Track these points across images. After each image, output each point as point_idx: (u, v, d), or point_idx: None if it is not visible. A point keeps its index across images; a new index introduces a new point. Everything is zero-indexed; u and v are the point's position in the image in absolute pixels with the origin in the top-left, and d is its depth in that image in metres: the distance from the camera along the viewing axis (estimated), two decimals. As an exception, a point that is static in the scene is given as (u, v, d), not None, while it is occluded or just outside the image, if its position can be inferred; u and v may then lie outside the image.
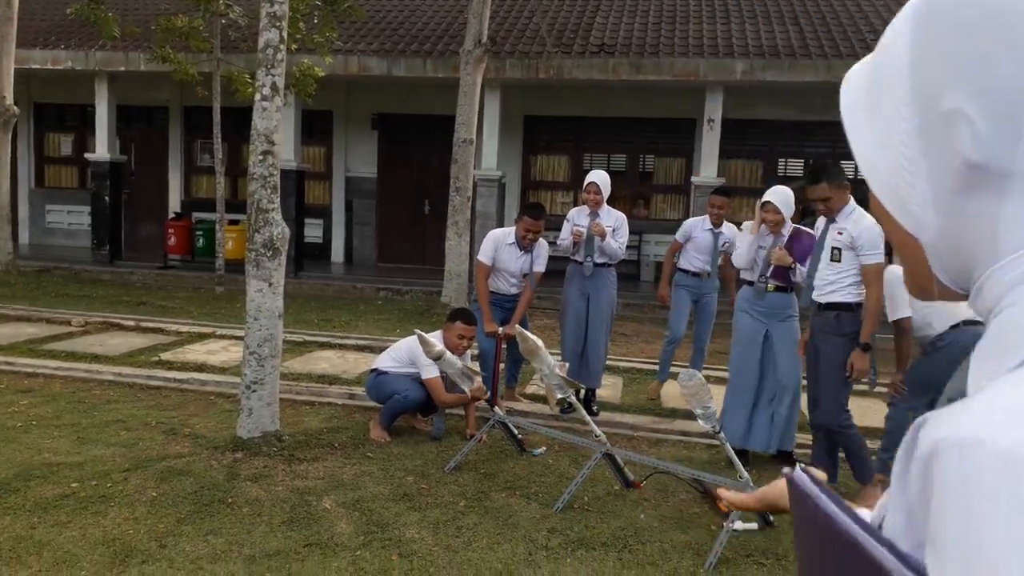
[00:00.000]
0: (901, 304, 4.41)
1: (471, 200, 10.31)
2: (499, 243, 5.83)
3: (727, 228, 6.28)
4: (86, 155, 13.66)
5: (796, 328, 5.00)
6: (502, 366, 5.99)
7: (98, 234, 13.35)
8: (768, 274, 4.99)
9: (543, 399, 6.17)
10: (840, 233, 4.34)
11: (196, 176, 15.07)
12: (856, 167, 3.64)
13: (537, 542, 3.77)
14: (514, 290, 5.92)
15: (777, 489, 0.91)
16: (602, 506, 4.26)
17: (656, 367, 7.44)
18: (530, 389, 6.63)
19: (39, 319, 8.53)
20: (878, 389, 5.34)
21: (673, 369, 7.44)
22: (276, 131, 4.94)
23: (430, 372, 5.06)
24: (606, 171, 6.22)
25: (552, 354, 4.66)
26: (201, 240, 12.98)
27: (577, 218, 6.00)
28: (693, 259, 6.30)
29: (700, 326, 6.52)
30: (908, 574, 0.50)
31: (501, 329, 5.69)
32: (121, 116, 13.92)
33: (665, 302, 6.66)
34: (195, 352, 7.43)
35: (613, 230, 5.90)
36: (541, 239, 5.86)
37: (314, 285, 12.06)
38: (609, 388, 6.70)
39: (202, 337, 8.12)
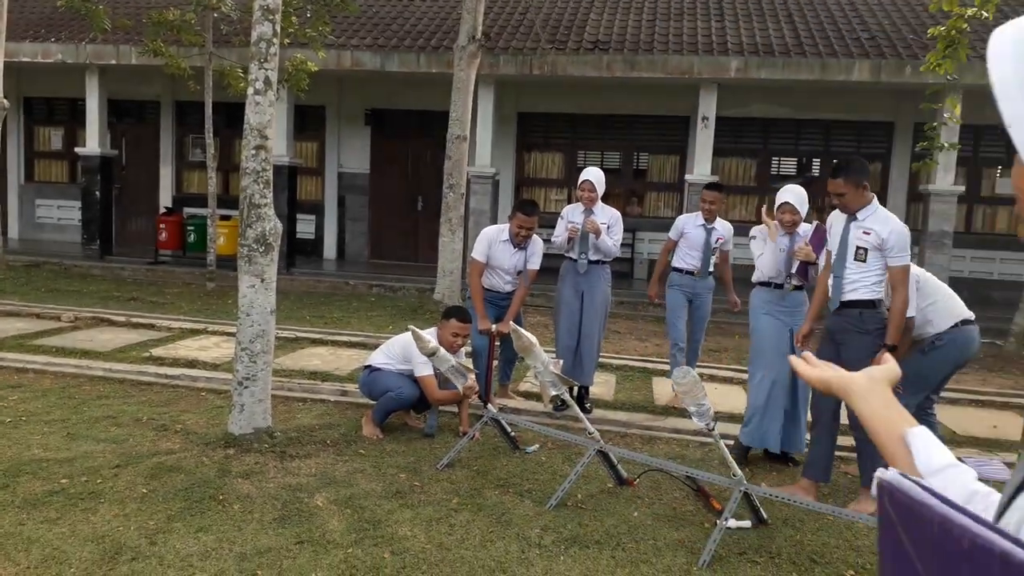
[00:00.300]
0: (909, 303, 4.39)
1: (464, 197, 10.28)
2: (493, 240, 5.80)
3: (720, 224, 6.22)
4: (76, 149, 13.58)
5: None
6: (495, 363, 5.97)
7: (88, 229, 13.27)
8: (793, 271, 5.01)
9: (536, 396, 6.16)
10: (866, 233, 4.27)
11: (187, 171, 14.99)
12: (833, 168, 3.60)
13: (530, 540, 3.75)
14: (508, 287, 5.89)
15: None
16: (595, 504, 4.25)
17: (652, 365, 7.46)
18: (523, 387, 6.61)
19: (29, 314, 8.47)
20: None
21: (648, 364, 7.49)
22: (269, 125, 4.91)
23: (424, 370, 5.04)
24: (600, 168, 6.21)
25: (546, 351, 4.65)
26: (192, 235, 12.91)
27: (571, 215, 5.99)
28: (686, 256, 6.22)
29: (695, 326, 6.39)
30: None
31: (495, 326, 5.67)
32: (112, 110, 13.84)
33: (653, 300, 6.67)
34: (186, 348, 7.38)
35: (608, 227, 5.89)
36: (535, 236, 5.84)
37: (306, 281, 12.01)
38: (602, 386, 6.69)
39: (194, 333, 8.07)
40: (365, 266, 13.71)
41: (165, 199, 14.64)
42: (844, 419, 4.64)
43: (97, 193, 13.05)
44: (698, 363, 6.67)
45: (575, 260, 5.94)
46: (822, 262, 4.72)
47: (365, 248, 14.30)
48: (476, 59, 10.09)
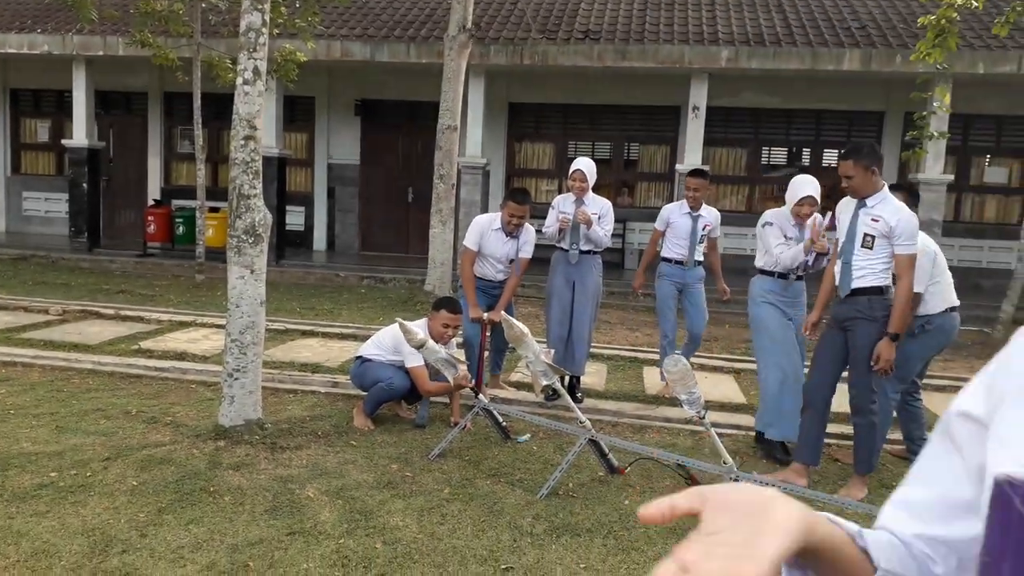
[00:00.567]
0: (918, 280, 4.39)
1: (455, 188, 10.25)
2: (485, 229, 5.79)
3: (707, 211, 6.14)
4: (63, 141, 13.47)
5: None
6: (487, 354, 5.97)
7: (76, 222, 13.18)
8: (810, 263, 4.99)
9: (528, 387, 6.16)
10: (875, 220, 4.24)
11: (176, 163, 14.89)
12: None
13: (522, 529, 3.76)
14: (500, 276, 5.89)
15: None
16: (587, 492, 4.26)
17: (643, 355, 7.47)
18: (514, 377, 6.61)
19: (16, 307, 8.41)
20: None
21: (638, 354, 7.48)
22: (258, 116, 4.88)
23: (414, 360, 5.03)
24: (591, 158, 6.18)
25: (538, 342, 4.64)
26: (181, 228, 12.84)
27: (562, 205, 5.97)
28: (673, 246, 6.15)
29: (694, 317, 6.22)
30: None
31: (486, 315, 5.66)
32: (99, 102, 13.73)
33: (636, 291, 6.66)
34: (176, 340, 7.35)
35: (599, 217, 5.87)
36: (528, 225, 5.82)
37: (296, 273, 11.97)
38: (593, 375, 6.70)
39: (183, 325, 8.04)
40: (355, 257, 13.67)
41: (153, 191, 14.55)
42: (836, 407, 4.67)
43: (84, 185, 12.96)
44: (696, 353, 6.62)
45: (566, 250, 5.93)
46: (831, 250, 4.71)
47: (355, 239, 14.26)
48: (466, 49, 10.05)
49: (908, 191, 4.96)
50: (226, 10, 10.97)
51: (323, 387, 6.04)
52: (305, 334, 7.92)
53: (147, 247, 12.90)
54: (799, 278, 5.13)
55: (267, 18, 4.87)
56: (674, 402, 5.31)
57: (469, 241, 5.81)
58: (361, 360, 5.28)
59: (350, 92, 13.86)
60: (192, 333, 7.73)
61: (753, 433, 5.24)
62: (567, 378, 5.90)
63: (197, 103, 10.90)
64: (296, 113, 14.03)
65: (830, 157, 13.27)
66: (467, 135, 11.80)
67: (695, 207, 6.10)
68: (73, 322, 7.94)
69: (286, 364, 6.64)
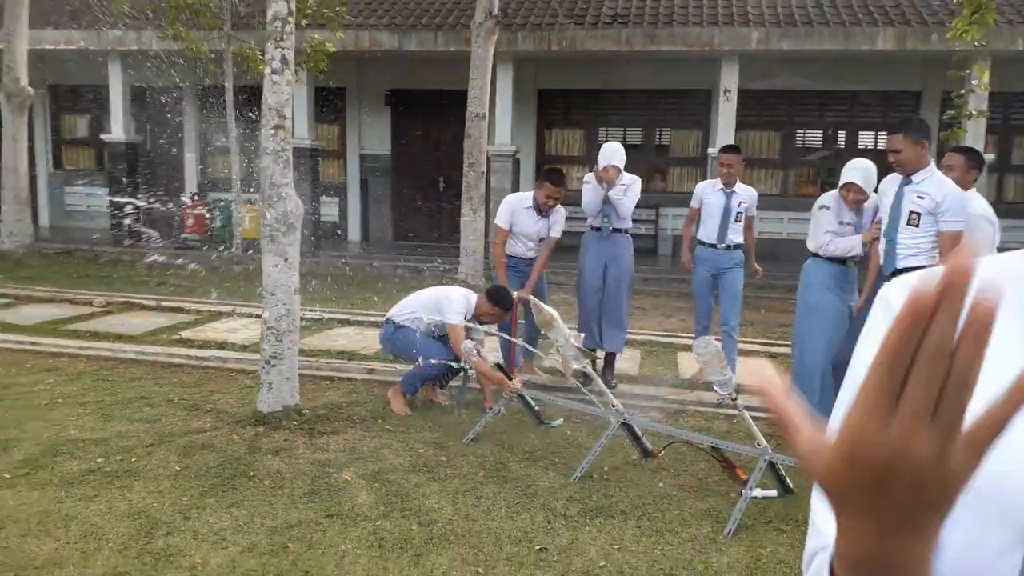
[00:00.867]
0: (985, 249, 4.33)
1: (485, 176, 10.27)
2: (516, 207, 5.87)
3: (742, 188, 5.94)
4: (102, 136, 13.73)
5: None
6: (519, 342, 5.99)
7: (116, 215, 13.44)
8: (862, 253, 4.89)
9: (561, 372, 6.18)
10: (920, 197, 4.16)
11: (212, 156, 15.11)
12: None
13: (555, 511, 3.79)
14: (531, 254, 5.96)
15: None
16: (620, 475, 4.28)
17: (677, 340, 7.44)
18: (548, 362, 6.63)
19: (62, 300, 8.63)
20: None
21: (673, 339, 7.44)
22: (287, 105, 4.94)
23: (455, 319, 5.05)
24: (621, 143, 6.14)
25: (569, 328, 4.66)
26: (218, 219, 13.04)
27: (594, 180, 5.89)
28: (706, 226, 5.97)
29: (726, 306, 5.95)
30: None
31: (516, 294, 5.72)
32: (136, 96, 13.96)
33: (687, 267, 6.43)
34: (215, 330, 7.49)
35: (624, 188, 5.84)
36: (559, 206, 5.87)
37: (331, 263, 12.10)
38: (627, 361, 6.69)
39: (222, 315, 8.19)
40: (389, 247, 13.78)
41: (190, 184, 14.78)
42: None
43: (124, 180, 13.21)
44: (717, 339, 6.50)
45: (598, 229, 5.91)
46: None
47: (388, 229, 14.36)
48: (493, 36, 10.04)
49: (967, 154, 4.82)
50: (255, 2, 11.08)
51: (359, 374, 6.13)
52: (341, 323, 8.03)
53: (185, 239, 13.12)
54: (856, 263, 5.02)
55: (293, 7, 4.93)
56: (709, 386, 5.30)
57: (501, 220, 5.87)
58: (394, 326, 5.29)
59: (380, 82, 13.92)
60: (231, 323, 7.87)
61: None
62: (600, 358, 5.92)
63: (229, 95, 11.05)
64: (327, 104, 14.13)
65: (866, 139, 13.05)
66: (496, 123, 11.81)
67: (728, 184, 5.91)
68: (116, 314, 8.14)
69: (323, 352, 6.74)
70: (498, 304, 5.26)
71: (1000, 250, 0.63)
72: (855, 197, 4.81)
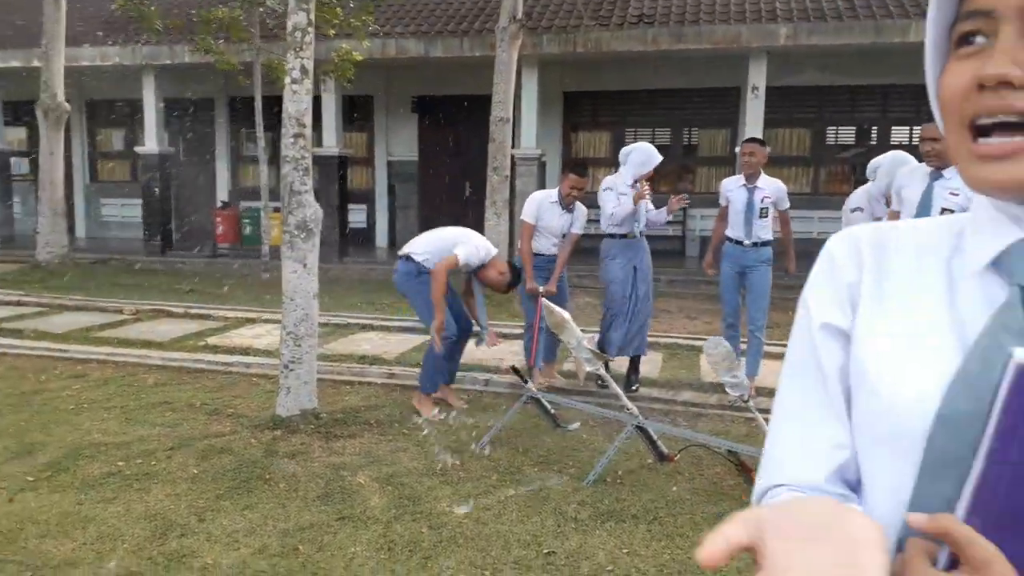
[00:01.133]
0: None
1: (509, 179, 10.27)
2: (542, 202, 5.95)
3: (766, 182, 5.75)
4: (136, 148, 14.02)
5: None
6: (539, 345, 5.98)
7: (149, 225, 13.72)
8: None
9: (589, 376, 6.14)
10: (954, 194, 4.02)
11: (243, 165, 15.35)
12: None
13: (567, 514, 3.77)
14: (555, 250, 6.03)
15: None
16: (634, 479, 4.24)
17: (700, 343, 7.34)
18: (567, 367, 6.60)
19: (93, 308, 8.82)
20: None
21: (696, 342, 7.31)
22: (306, 113, 4.99)
23: (459, 253, 5.08)
24: (649, 143, 6.11)
25: (591, 332, 4.64)
26: (248, 228, 13.24)
27: (620, 188, 5.85)
28: (732, 223, 5.82)
29: (752, 306, 5.78)
30: None
31: (541, 288, 5.75)
32: (169, 109, 14.24)
33: (707, 272, 6.36)
34: (240, 336, 7.60)
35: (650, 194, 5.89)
36: (579, 203, 5.95)
37: (358, 269, 12.20)
38: (648, 363, 6.63)
39: (248, 322, 8.30)
40: (417, 252, 13.83)
41: (222, 193, 15.03)
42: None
43: (157, 190, 13.48)
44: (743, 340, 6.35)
45: (623, 236, 5.86)
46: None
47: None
48: (517, 40, 10.05)
49: None
50: (282, 13, 11.22)
51: (379, 378, 6.16)
52: (365, 327, 8.09)
53: (216, 248, 13.34)
54: None
55: (312, 17, 4.97)
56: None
57: (527, 215, 5.95)
58: (415, 267, 5.24)
59: (407, 89, 14.02)
60: (256, 329, 7.98)
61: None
62: (611, 364, 5.90)
63: (258, 106, 11.21)
64: (355, 112, 14.27)
65: (900, 134, 12.80)
66: (521, 126, 11.82)
67: (751, 177, 5.74)
68: (145, 321, 8.29)
69: (345, 357, 6.79)
70: (511, 272, 5.40)
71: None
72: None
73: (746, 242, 5.76)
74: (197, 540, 3.47)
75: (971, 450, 0.61)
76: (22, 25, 14.30)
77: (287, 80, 5.01)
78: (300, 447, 4.58)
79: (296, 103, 4.98)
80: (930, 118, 4.03)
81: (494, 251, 5.37)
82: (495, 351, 6.01)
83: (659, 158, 5.84)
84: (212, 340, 7.37)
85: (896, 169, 4.85)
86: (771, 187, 5.78)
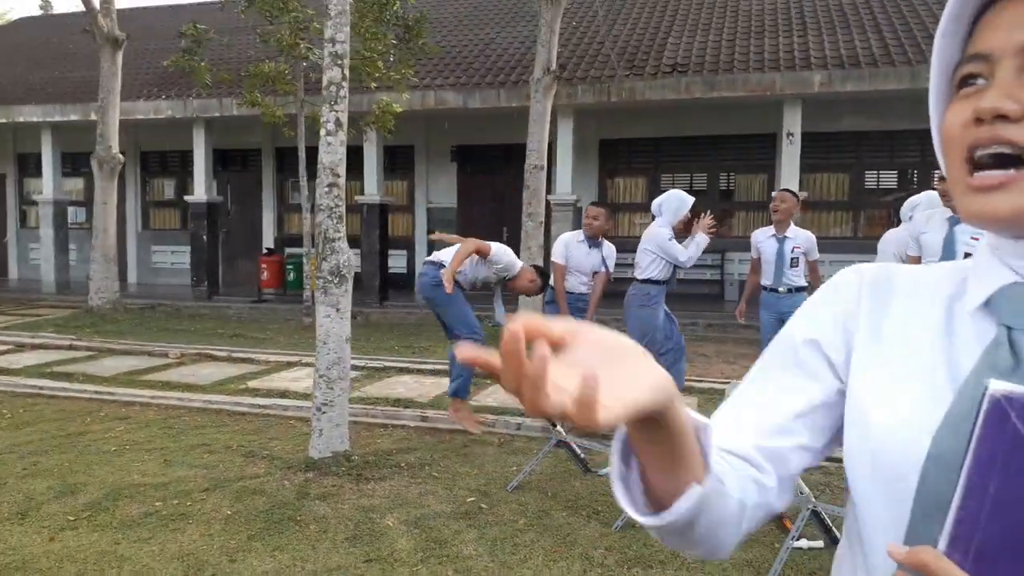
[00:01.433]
0: None
1: (543, 225, 10.40)
2: (569, 242, 6.21)
3: (795, 232, 5.86)
4: (186, 197, 14.52)
5: None
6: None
7: (197, 271, 14.12)
8: None
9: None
10: (975, 238, 4.07)
11: (288, 213, 15.77)
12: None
13: (593, 560, 3.75)
14: (583, 288, 6.20)
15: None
16: (664, 525, 4.20)
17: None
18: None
19: (140, 352, 9.09)
20: None
21: (713, 385, 7.27)
22: (340, 164, 5.16)
23: (493, 245, 5.55)
24: (687, 191, 6.24)
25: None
26: (292, 274, 13.55)
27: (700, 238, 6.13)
28: (766, 272, 5.94)
29: None
30: None
31: None
32: (218, 159, 14.77)
33: (738, 319, 6.54)
34: (280, 379, 7.75)
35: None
36: (607, 242, 6.23)
37: (398, 314, 12.37)
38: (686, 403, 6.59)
39: (288, 365, 8.46)
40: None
41: (267, 240, 15.43)
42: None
43: (205, 237, 13.91)
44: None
45: (664, 282, 6.07)
46: None
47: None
48: (551, 91, 10.26)
49: None
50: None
51: (412, 421, 6.22)
52: (401, 371, 8.19)
53: (261, 293, 13.66)
54: None
55: (347, 72, 5.18)
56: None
57: (556, 256, 6.21)
58: (441, 268, 5.51)
59: (446, 139, 14.34)
60: (296, 372, 8.13)
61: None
62: None
63: (302, 155, 11.57)
64: (396, 162, 14.63)
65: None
66: (557, 173, 11.98)
67: (779, 225, 5.87)
68: (189, 365, 8.51)
69: (380, 399, 6.88)
70: (540, 276, 5.85)
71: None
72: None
73: (780, 289, 5.86)
74: (227, 580, 3.54)
75: None
76: (80, 80, 15.03)
77: (322, 132, 5.20)
78: (331, 489, 4.64)
79: (331, 154, 5.16)
80: None
81: (520, 263, 5.74)
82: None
83: (691, 199, 6.00)
84: (252, 383, 7.53)
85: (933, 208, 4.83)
86: (801, 237, 5.89)
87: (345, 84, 5.16)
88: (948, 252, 4.12)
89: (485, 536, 4.01)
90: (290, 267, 13.72)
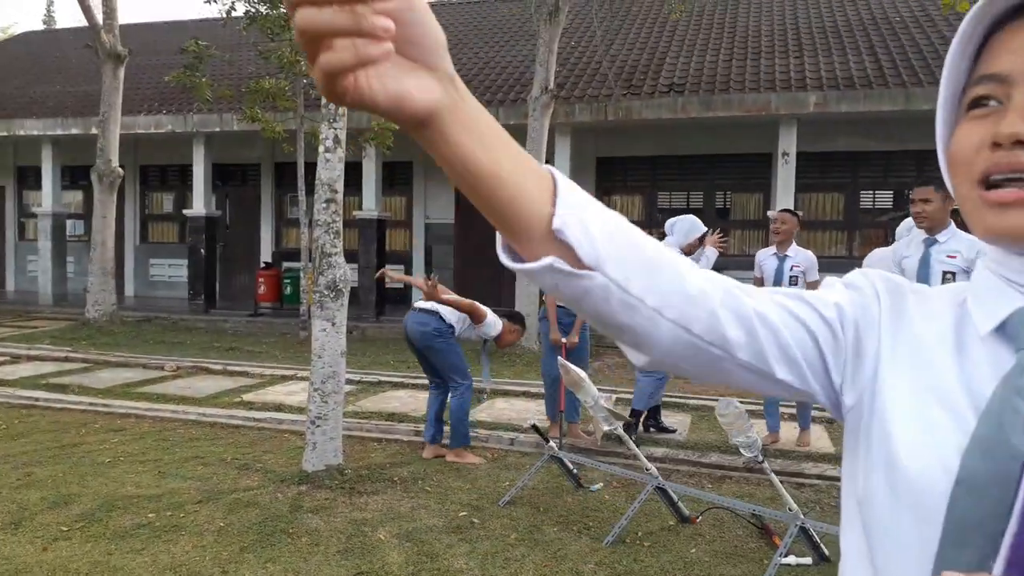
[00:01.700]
0: None
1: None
2: None
3: (796, 252, 5.99)
4: (184, 211, 14.58)
5: None
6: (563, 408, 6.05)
7: (194, 285, 14.16)
8: None
9: (608, 436, 6.16)
10: (951, 256, 4.15)
11: (286, 228, 15.82)
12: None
13: (583, 574, 3.78)
14: None
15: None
16: (654, 540, 4.23)
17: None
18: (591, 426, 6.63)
19: (136, 364, 9.10)
20: None
21: (706, 402, 7.31)
22: (338, 180, 5.22)
23: (488, 313, 5.62)
24: (683, 209, 6.39)
25: (620, 392, 4.70)
26: (288, 288, 13.58)
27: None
28: None
29: None
30: None
31: (565, 339, 5.87)
32: (217, 174, 14.84)
33: None
34: (275, 393, 7.77)
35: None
36: None
37: (395, 328, 12.37)
38: (677, 425, 6.62)
39: (284, 379, 8.48)
40: (451, 313, 14.01)
41: (265, 255, 15.48)
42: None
43: (202, 251, 13.95)
44: (782, 403, 6.42)
45: None
46: None
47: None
48: (549, 109, 10.36)
49: (936, 184, 4.73)
50: (327, 84, 11.71)
51: (406, 436, 6.25)
52: (396, 386, 8.21)
53: (258, 307, 13.68)
54: None
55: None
56: (770, 449, 5.18)
57: None
58: (443, 323, 5.54)
59: (444, 155, 14.40)
60: (291, 386, 8.15)
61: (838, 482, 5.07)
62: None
63: (301, 171, 11.64)
64: (395, 177, 14.70)
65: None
66: (555, 191, 12.03)
67: (782, 246, 6.00)
68: (185, 377, 8.53)
69: (374, 414, 6.90)
70: (517, 322, 5.92)
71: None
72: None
73: None
74: (219, 591, 3.56)
75: (993, 514, 0.62)
76: (82, 94, 15.13)
77: (321, 148, 5.27)
78: (324, 502, 4.66)
79: (329, 170, 5.22)
80: (924, 182, 4.13)
81: (500, 321, 5.76)
82: (520, 410, 6.09)
83: (704, 228, 6.19)
84: (247, 397, 7.55)
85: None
86: (801, 256, 6.01)
87: (343, 101, 5.22)
88: (923, 272, 4.20)
89: (476, 550, 4.03)
90: (287, 281, 13.74)
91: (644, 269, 0.68)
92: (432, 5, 13.79)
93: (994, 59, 0.71)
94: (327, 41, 0.54)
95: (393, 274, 6.61)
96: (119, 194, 12.81)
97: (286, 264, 14.69)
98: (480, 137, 0.63)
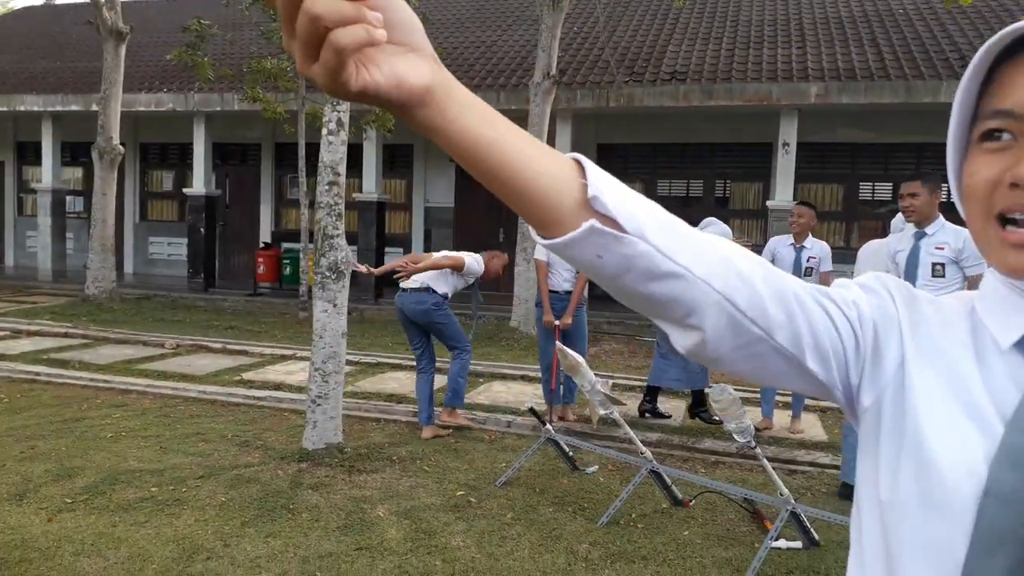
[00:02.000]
0: None
1: (541, 227, 10.50)
2: None
3: (812, 243, 6.10)
4: (184, 190, 14.60)
5: None
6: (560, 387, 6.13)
7: (194, 263, 14.19)
8: None
9: (603, 420, 6.25)
10: (939, 248, 4.25)
11: (285, 208, 15.84)
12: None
13: (578, 554, 3.86)
14: (567, 285, 6.26)
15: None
16: (648, 522, 4.32)
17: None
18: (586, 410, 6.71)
19: (136, 342, 9.16)
20: None
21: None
22: (341, 163, 5.27)
23: (467, 257, 5.80)
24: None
25: (616, 377, 4.77)
26: (288, 268, 13.63)
27: None
28: None
29: None
30: None
31: (558, 321, 5.95)
32: (217, 153, 14.83)
33: None
34: (275, 372, 7.84)
35: None
36: None
37: (392, 310, 12.43)
38: (673, 411, 6.71)
39: (283, 359, 8.55)
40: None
41: (264, 235, 15.50)
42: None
43: (202, 230, 13.97)
44: (777, 392, 6.52)
45: None
46: None
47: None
48: (551, 95, 10.37)
49: (925, 179, 4.82)
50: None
51: (405, 416, 6.32)
52: (394, 367, 8.29)
53: (257, 287, 13.73)
54: None
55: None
56: (761, 436, 5.27)
57: (539, 254, 6.42)
58: (441, 298, 5.68)
59: (445, 138, 14.41)
60: (290, 365, 8.22)
61: (834, 472, 5.16)
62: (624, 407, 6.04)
63: (302, 152, 11.66)
64: (395, 160, 14.71)
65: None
66: (555, 176, 12.06)
67: (799, 238, 6.10)
68: (185, 355, 8.59)
69: (373, 395, 6.98)
70: (493, 249, 6.30)
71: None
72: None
73: None
74: (221, 564, 3.64)
75: (1022, 523, 0.63)
76: (83, 71, 15.09)
77: (324, 131, 5.31)
78: (324, 479, 4.74)
79: (332, 153, 5.27)
80: (912, 177, 4.23)
81: (480, 257, 6.00)
82: (517, 393, 6.17)
83: (729, 233, 6.39)
84: (247, 375, 7.62)
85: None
86: (818, 247, 6.14)
87: (348, 83, 5.25)
88: (912, 265, 4.30)
89: (473, 528, 4.12)
90: (286, 262, 13.79)
91: (685, 240, 0.67)
92: (435, -13, 13.78)
93: (1005, 92, 0.71)
94: (329, 33, 0.55)
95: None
96: (119, 172, 12.81)
97: (285, 244, 14.71)
98: (481, 115, 0.64)
